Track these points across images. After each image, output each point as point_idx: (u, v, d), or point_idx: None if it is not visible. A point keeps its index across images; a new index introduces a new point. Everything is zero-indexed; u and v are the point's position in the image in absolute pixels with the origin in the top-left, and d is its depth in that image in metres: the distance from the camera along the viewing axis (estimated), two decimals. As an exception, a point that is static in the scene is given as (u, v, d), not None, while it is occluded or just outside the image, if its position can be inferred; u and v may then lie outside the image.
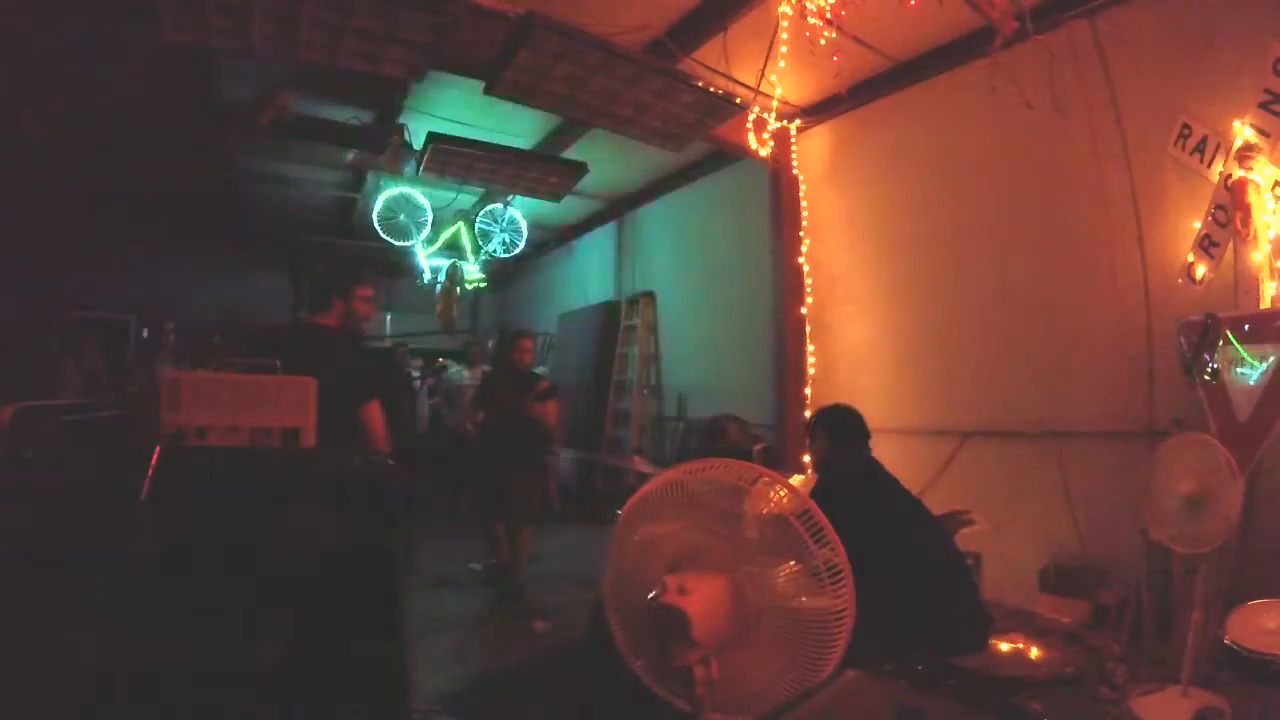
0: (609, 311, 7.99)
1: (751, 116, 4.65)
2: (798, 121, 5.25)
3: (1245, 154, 2.87)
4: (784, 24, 3.67)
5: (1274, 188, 2.87)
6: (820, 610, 1.20)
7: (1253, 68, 2.93)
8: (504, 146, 5.58)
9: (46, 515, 1.60)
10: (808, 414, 5.09)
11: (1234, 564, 2.65)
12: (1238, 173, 2.89)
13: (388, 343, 9.29)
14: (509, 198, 7.16)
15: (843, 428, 2.76)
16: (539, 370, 7.64)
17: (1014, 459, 3.83)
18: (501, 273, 10.41)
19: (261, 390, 1.82)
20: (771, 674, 1.21)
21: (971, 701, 1.66)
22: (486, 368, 6.67)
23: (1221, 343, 2.81)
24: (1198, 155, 3.10)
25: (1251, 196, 2.85)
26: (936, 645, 2.03)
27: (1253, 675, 1.98)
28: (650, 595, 1.17)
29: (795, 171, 5.28)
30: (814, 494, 2.29)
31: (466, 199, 7.37)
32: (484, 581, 4.92)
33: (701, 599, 1.15)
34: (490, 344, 8.79)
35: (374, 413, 2.76)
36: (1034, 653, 2.62)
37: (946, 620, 2.15)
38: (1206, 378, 2.83)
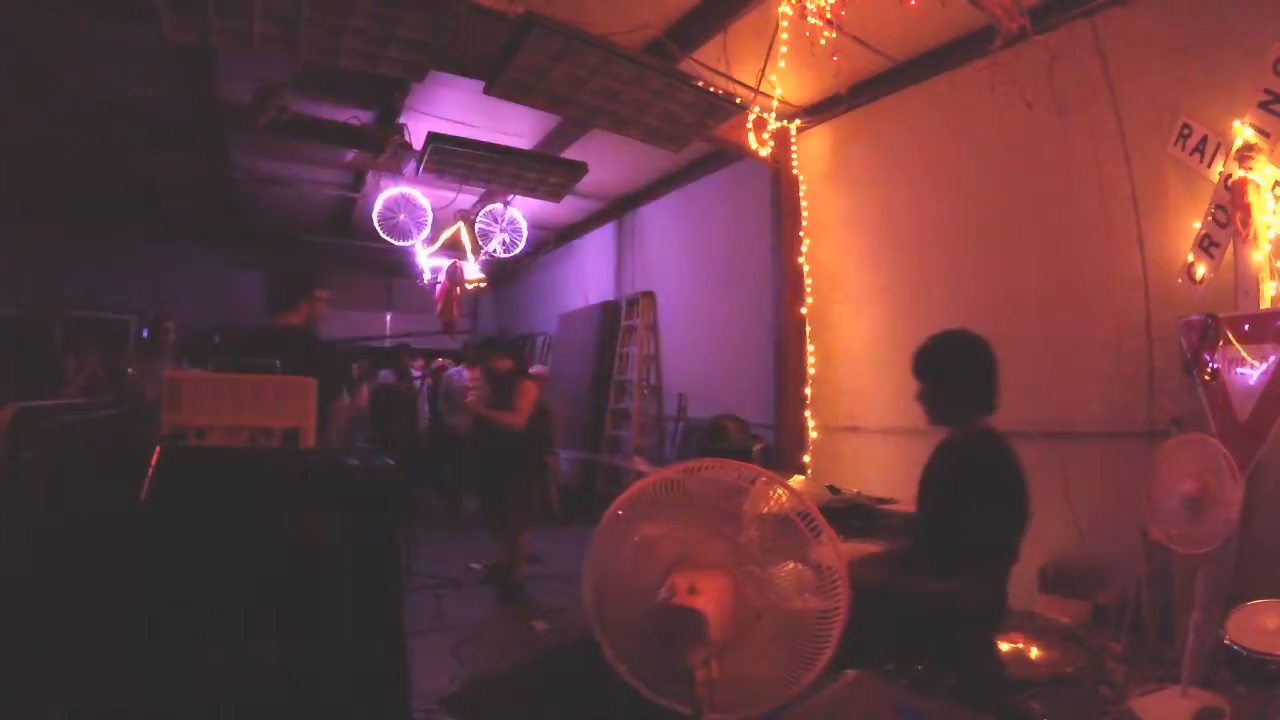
0: (609, 311, 7.99)
1: (751, 116, 4.66)
2: (798, 121, 5.25)
3: (1245, 154, 2.87)
4: (784, 24, 3.68)
5: (1274, 188, 2.87)
6: (819, 610, 1.20)
7: (1253, 68, 2.92)
8: (504, 146, 5.58)
9: (46, 516, 1.60)
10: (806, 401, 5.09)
11: (1234, 564, 2.64)
12: (1238, 173, 2.89)
13: (388, 343, 9.29)
14: (509, 198, 7.16)
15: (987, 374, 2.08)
16: (535, 369, 7.68)
17: (1014, 459, 3.82)
18: (501, 273, 10.41)
19: (261, 390, 1.82)
20: (770, 673, 1.21)
21: (971, 701, 1.66)
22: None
23: (1221, 343, 2.80)
24: (1198, 155, 3.10)
25: (1251, 196, 2.85)
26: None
27: (1253, 675, 1.98)
28: (662, 597, 1.16)
29: (795, 171, 5.28)
30: (961, 461, 2.04)
31: (466, 199, 7.37)
32: (484, 581, 4.92)
33: (712, 598, 1.15)
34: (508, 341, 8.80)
35: (340, 408, 3.06)
36: (1034, 653, 2.62)
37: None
38: (1206, 378, 2.83)
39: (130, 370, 5.07)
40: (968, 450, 2.07)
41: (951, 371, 2.09)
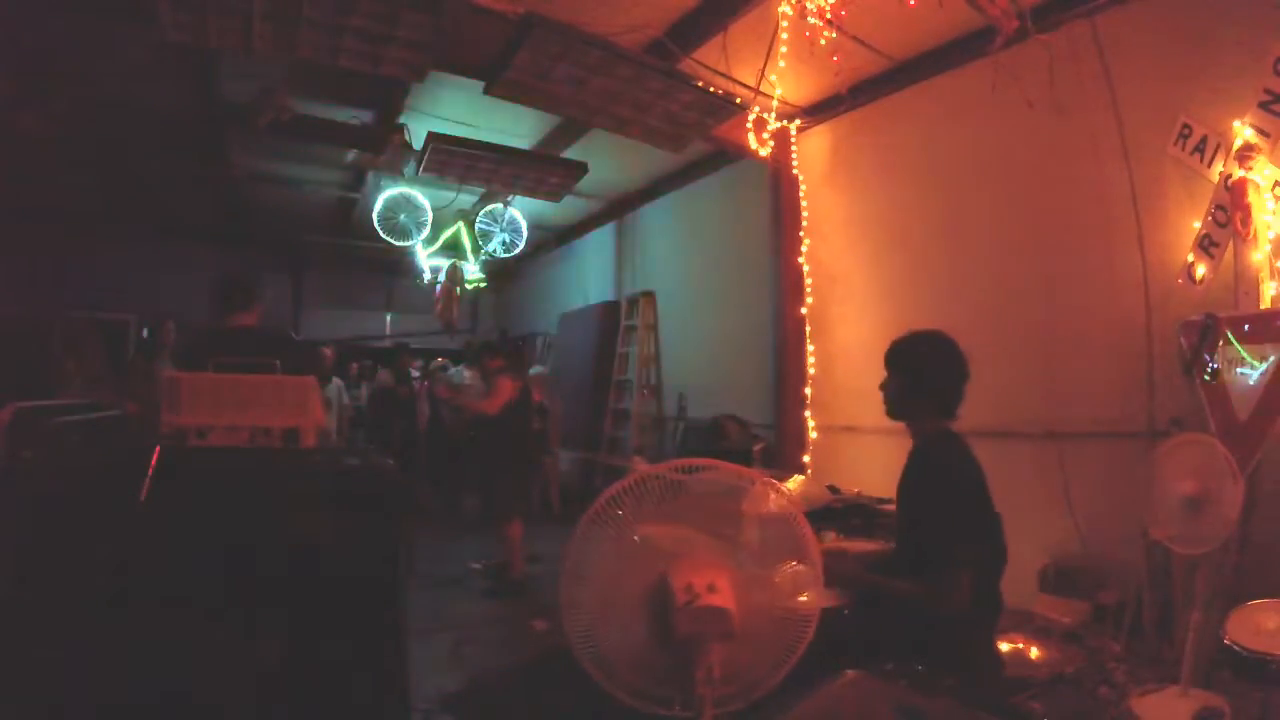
0: (609, 311, 7.99)
1: (751, 116, 4.65)
2: (798, 121, 5.25)
3: (1245, 154, 2.87)
4: (784, 24, 3.67)
5: (1274, 188, 2.87)
6: (818, 608, 1.21)
7: (1253, 68, 2.92)
8: (504, 146, 5.59)
9: (46, 516, 1.60)
10: (808, 412, 5.10)
11: (1234, 564, 2.64)
12: (1238, 173, 2.89)
13: (388, 343, 9.30)
14: (509, 198, 7.16)
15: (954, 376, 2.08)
16: (534, 370, 7.71)
17: (1014, 459, 3.81)
18: (501, 273, 10.41)
19: (261, 390, 1.82)
20: (759, 667, 1.22)
21: (971, 701, 1.66)
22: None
23: (1221, 343, 2.80)
24: (1198, 155, 3.10)
25: (1251, 196, 2.85)
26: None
27: (1253, 675, 1.98)
28: (683, 599, 1.15)
29: (795, 171, 5.28)
30: (922, 463, 2.06)
31: (466, 199, 7.38)
32: (485, 578, 4.95)
33: (729, 597, 1.15)
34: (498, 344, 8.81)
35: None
36: (1034, 653, 2.62)
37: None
38: (1206, 378, 2.83)
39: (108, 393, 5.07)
40: (926, 454, 2.08)
41: (915, 368, 2.10)
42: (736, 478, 1.27)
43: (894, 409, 2.15)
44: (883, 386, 2.17)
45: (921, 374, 2.09)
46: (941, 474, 1.99)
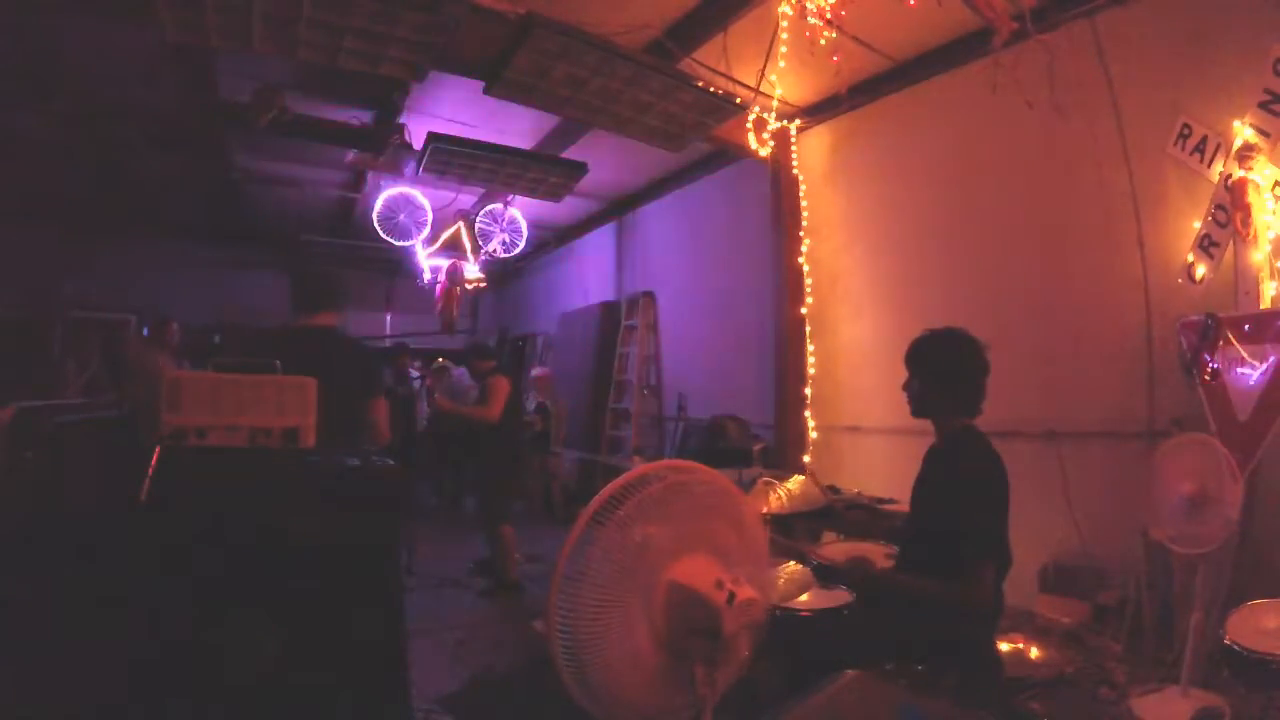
0: (609, 311, 7.99)
1: (751, 116, 4.65)
2: (798, 121, 5.25)
3: (1245, 154, 2.87)
4: (784, 24, 3.67)
5: (1274, 188, 2.87)
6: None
7: (1253, 68, 2.92)
8: (504, 146, 5.58)
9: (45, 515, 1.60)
10: (808, 412, 5.10)
11: (1234, 564, 2.64)
12: (1238, 173, 2.89)
13: (388, 343, 9.30)
14: (509, 198, 7.16)
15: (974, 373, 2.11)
16: (536, 371, 7.71)
17: (1014, 459, 3.79)
18: (501, 273, 10.41)
19: (261, 390, 1.82)
20: (739, 669, 1.22)
21: (971, 701, 1.66)
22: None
23: (1221, 343, 2.80)
24: (1198, 155, 3.10)
25: (1251, 196, 2.85)
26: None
27: (1253, 675, 1.98)
28: (718, 599, 1.15)
29: (795, 171, 5.28)
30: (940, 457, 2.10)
31: (466, 199, 7.38)
32: (478, 575, 4.96)
33: (752, 589, 1.15)
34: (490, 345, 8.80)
35: (380, 408, 2.98)
36: (1034, 653, 2.62)
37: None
38: (1206, 378, 2.83)
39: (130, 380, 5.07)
40: (950, 452, 2.11)
41: (938, 366, 2.13)
42: (736, 479, 1.27)
43: (918, 408, 2.18)
44: (905, 386, 2.19)
45: (942, 372, 2.12)
46: (969, 471, 2.00)
